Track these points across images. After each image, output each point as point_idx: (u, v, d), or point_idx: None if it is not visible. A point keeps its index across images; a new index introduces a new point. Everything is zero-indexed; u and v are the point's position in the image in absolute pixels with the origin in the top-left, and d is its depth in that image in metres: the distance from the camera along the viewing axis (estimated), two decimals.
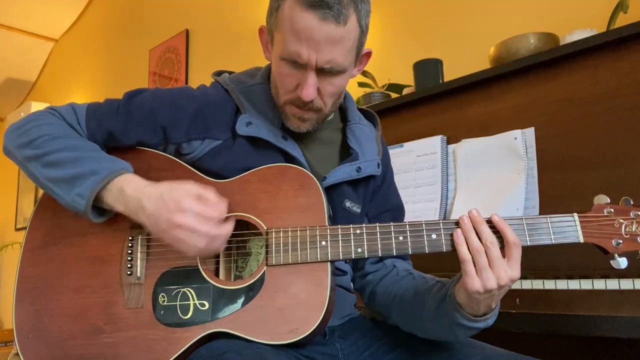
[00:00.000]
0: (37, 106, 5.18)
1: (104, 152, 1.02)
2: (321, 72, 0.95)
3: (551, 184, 1.39)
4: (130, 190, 0.94)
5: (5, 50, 5.23)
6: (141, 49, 4.22)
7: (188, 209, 0.89)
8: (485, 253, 0.84)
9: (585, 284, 1.13)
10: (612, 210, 0.90)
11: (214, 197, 0.92)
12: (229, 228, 0.92)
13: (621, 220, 0.89)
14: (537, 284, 1.20)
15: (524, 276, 1.24)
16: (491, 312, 0.89)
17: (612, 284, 1.09)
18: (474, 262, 0.84)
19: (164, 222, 0.90)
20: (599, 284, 1.11)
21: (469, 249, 0.85)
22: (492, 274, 0.83)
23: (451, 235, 0.89)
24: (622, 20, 1.50)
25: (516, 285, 1.23)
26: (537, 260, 1.33)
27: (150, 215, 0.91)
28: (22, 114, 5.12)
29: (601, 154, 1.32)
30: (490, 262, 0.84)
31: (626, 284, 1.08)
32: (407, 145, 1.73)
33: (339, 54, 0.94)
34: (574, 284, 1.15)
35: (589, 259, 1.25)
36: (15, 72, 5.65)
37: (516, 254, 0.85)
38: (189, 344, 0.93)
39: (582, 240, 0.89)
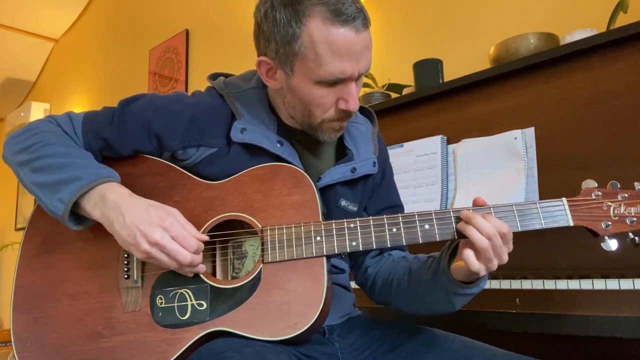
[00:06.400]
0: (37, 106, 5.18)
1: (97, 160, 1.02)
2: (356, 78, 0.96)
3: (551, 184, 1.38)
4: (111, 196, 0.93)
5: (5, 50, 5.23)
6: (141, 49, 4.22)
7: (169, 228, 0.91)
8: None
9: (585, 284, 1.13)
10: (600, 193, 0.92)
11: (195, 230, 0.95)
12: (201, 268, 0.96)
13: (609, 203, 0.91)
14: (537, 284, 1.20)
15: (523, 276, 1.24)
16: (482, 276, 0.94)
17: (612, 284, 1.09)
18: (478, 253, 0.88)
19: (141, 234, 0.90)
20: (599, 284, 1.11)
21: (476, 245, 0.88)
22: (495, 260, 0.88)
23: (446, 224, 0.92)
24: (622, 20, 1.50)
25: (516, 285, 1.23)
26: (537, 260, 1.32)
27: (127, 223, 0.91)
28: (22, 114, 5.12)
29: (601, 154, 1.32)
30: (495, 251, 0.88)
31: (626, 284, 1.08)
32: (407, 145, 1.73)
33: (370, 55, 0.96)
34: (574, 284, 1.15)
35: (589, 259, 1.25)
36: (15, 72, 5.65)
37: (510, 237, 0.89)
38: (188, 344, 0.93)
39: (572, 224, 0.91)
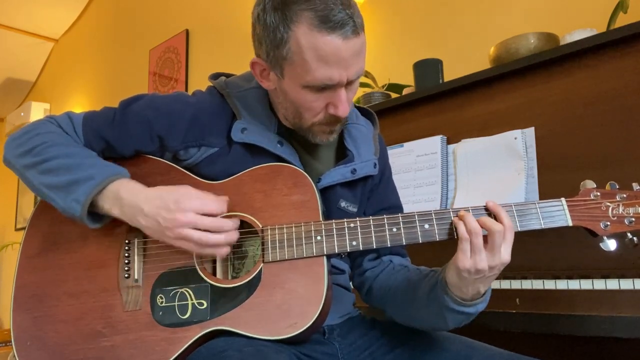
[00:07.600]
0: (37, 106, 5.18)
1: (101, 159, 1.02)
2: (347, 83, 0.95)
3: (551, 184, 1.38)
4: (126, 195, 0.95)
5: (5, 50, 5.23)
6: (141, 49, 4.22)
7: (188, 208, 0.92)
8: (484, 237, 0.86)
9: (585, 284, 1.13)
10: (599, 194, 0.92)
11: (213, 196, 0.95)
12: (230, 224, 0.94)
13: (608, 203, 0.91)
14: (537, 284, 1.20)
15: (523, 276, 1.24)
16: (480, 297, 0.90)
17: (612, 284, 1.09)
18: (471, 243, 0.86)
19: (165, 222, 0.91)
20: (599, 284, 1.11)
21: (467, 229, 0.87)
22: (485, 255, 0.85)
23: (445, 224, 0.91)
24: (622, 20, 1.50)
25: (516, 285, 1.23)
26: (537, 260, 1.32)
27: (149, 217, 0.93)
28: (22, 114, 5.12)
29: (601, 154, 1.32)
30: (487, 244, 0.86)
31: (626, 284, 1.08)
32: (407, 145, 1.73)
33: (362, 61, 0.94)
34: (574, 284, 1.15)
35: (588, 259, 1.25)
36: (15, 72, 5.65)
37: (510, 237, 0.87)
38: (188, 343, 0.93)
39: (570, 224, 0.91)
